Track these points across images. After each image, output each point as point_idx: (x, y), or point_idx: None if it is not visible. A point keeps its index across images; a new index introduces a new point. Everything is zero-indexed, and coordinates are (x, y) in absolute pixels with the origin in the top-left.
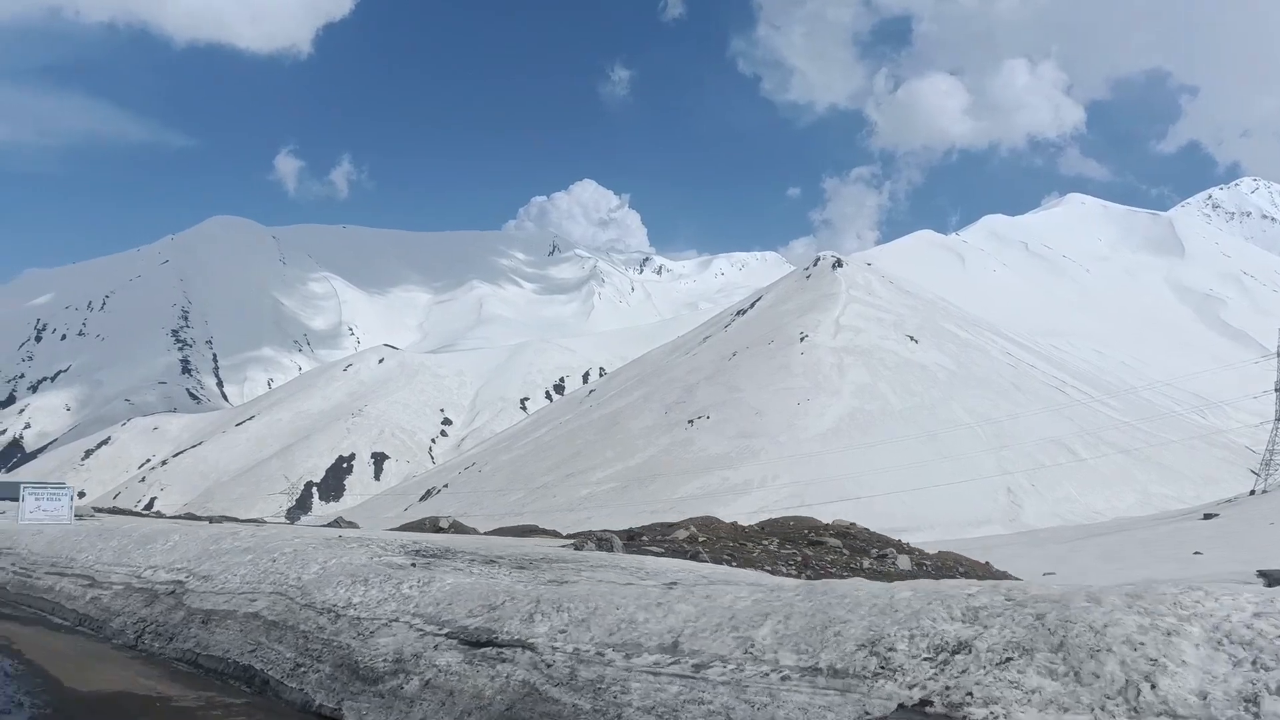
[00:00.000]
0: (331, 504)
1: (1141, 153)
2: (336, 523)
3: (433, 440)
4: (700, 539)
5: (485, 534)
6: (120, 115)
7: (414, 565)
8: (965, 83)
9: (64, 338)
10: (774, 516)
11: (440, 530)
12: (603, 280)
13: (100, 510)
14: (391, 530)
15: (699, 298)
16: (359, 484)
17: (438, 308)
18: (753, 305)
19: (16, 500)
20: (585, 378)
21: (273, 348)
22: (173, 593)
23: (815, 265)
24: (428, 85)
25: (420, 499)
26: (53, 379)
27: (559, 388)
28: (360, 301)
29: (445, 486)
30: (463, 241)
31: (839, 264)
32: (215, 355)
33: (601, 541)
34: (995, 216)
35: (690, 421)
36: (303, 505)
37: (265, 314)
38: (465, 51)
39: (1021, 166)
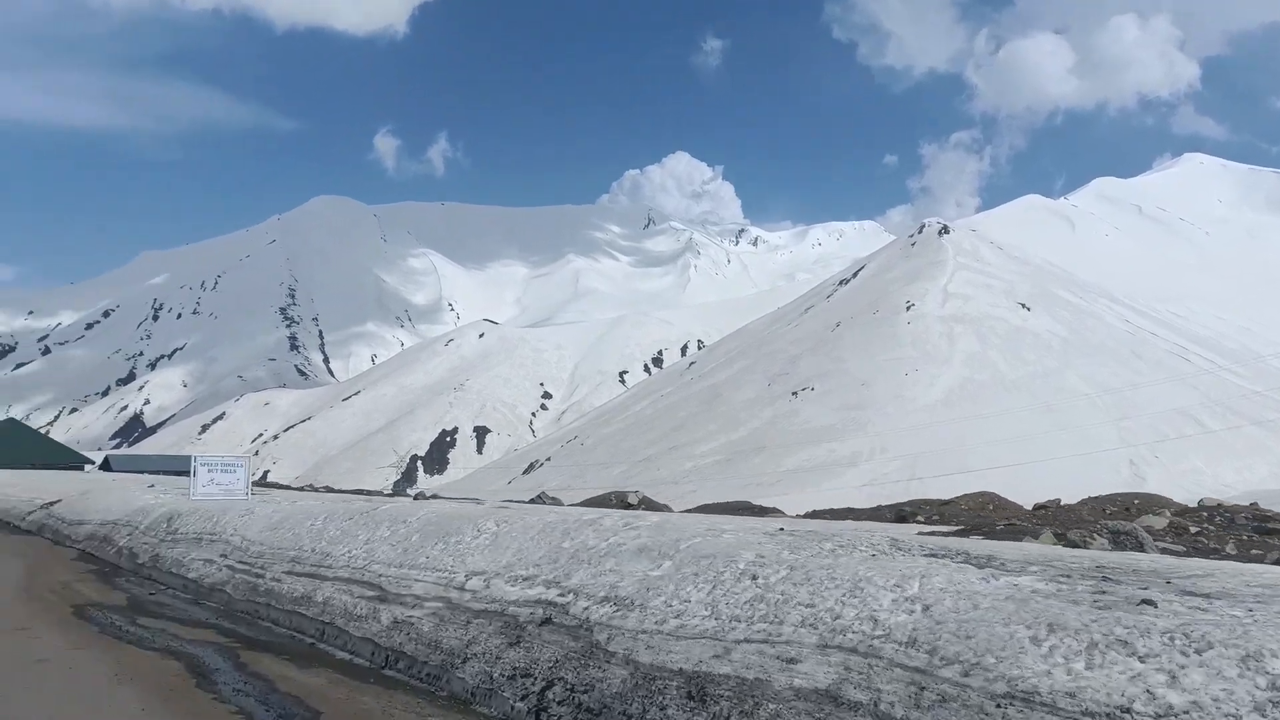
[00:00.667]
0: (435, 477)
1: (1262, 110)
2: (544, 497)
3: (533, 414)
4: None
5: (690, 511)
6: (228, 101)
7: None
8: (1070, 41)
9: (179, 316)
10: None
11: (630, 506)
12: (698, 252)
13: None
14: (580, 505)
15: (796, 269)
16: (461, 457)
17: (534, 282)
18: (855, 274)
19: (171, 474)
20: (683, 350)
21: (375, 323)
22: (564, 626)
23: (920, 232)
24: (520, 61)
25: (524, 472)
26: (169, 356)
27: (657, 361)
28: (459, 277)
29: (548, 460)
30: (558, 216)
31: (945, 230)
32: (321, 332)
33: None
34: (1106, 179)
35: (794, 393)
36: (408, 478)
37: (368, 291)
38: (557, 27)
39: (1131, 127)
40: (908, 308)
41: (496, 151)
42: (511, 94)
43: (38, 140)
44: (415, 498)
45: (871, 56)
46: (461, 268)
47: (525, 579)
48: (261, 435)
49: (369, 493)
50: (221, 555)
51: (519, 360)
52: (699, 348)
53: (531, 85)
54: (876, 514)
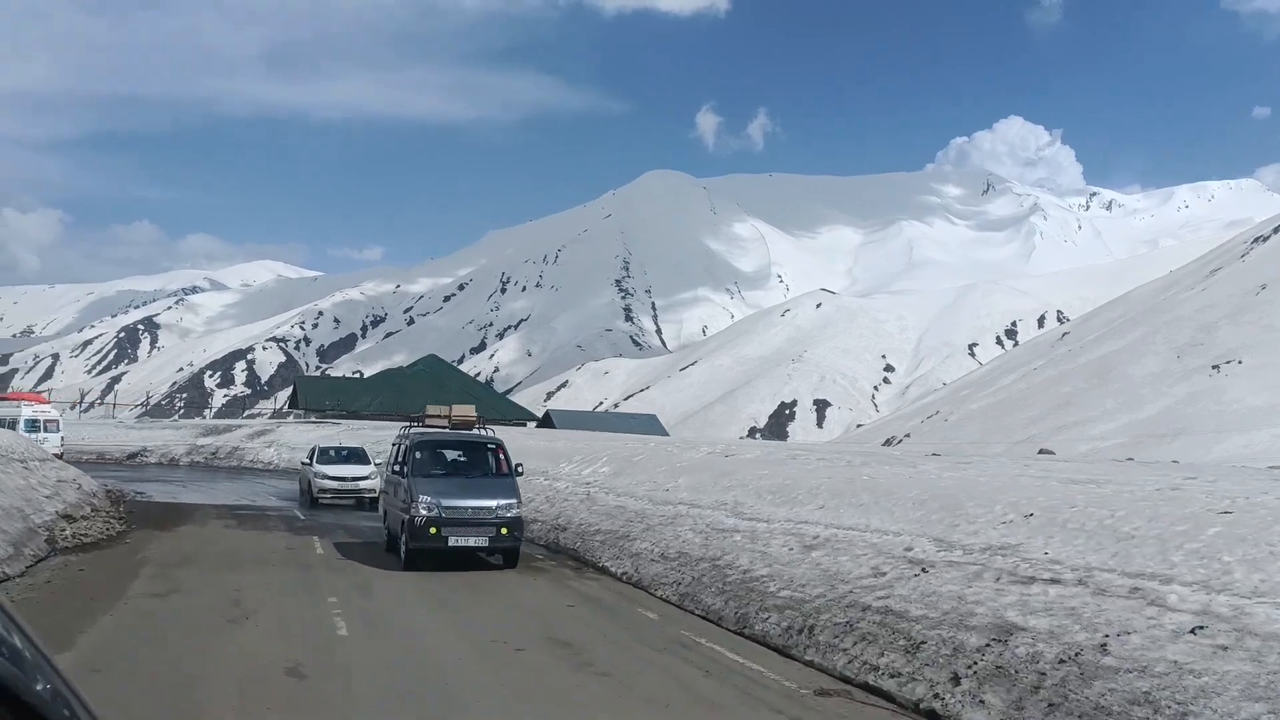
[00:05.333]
0: None
1: None
2: None
3: (875, 387)
4: None
5: None
6: (563, 86)
7: None
8: None
9: (524, 289)
10: None
11: None
12: (1045, 217)
13: None
14: None
15: (1159, 234)
16: (801, 430)
17: (865, 250)
18: (1276, 231)
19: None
20: (1040, 322)
21: (705, 290)
22: None
23: None
24: (841, 31)
25: (881, 446)
26: (515, 327)
27: (1010, 333)
28: (786, 246)
29: (907, 436)
30: (887, 183)
31: None
32: (654, 303)
33: None
34: None
35: (1215, 367)
36: None
37: (697, 261)
38: None
39: None
40: None
41: (816, 123)
42: (831, 65)
43: (398, 133)
44: None
45: (1239, 1)
46: (789, 236)
47: None
48: (602, 403)
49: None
50: None
51: (858, 331)
52: (1059, 319)
53: (851, 55)
54: None
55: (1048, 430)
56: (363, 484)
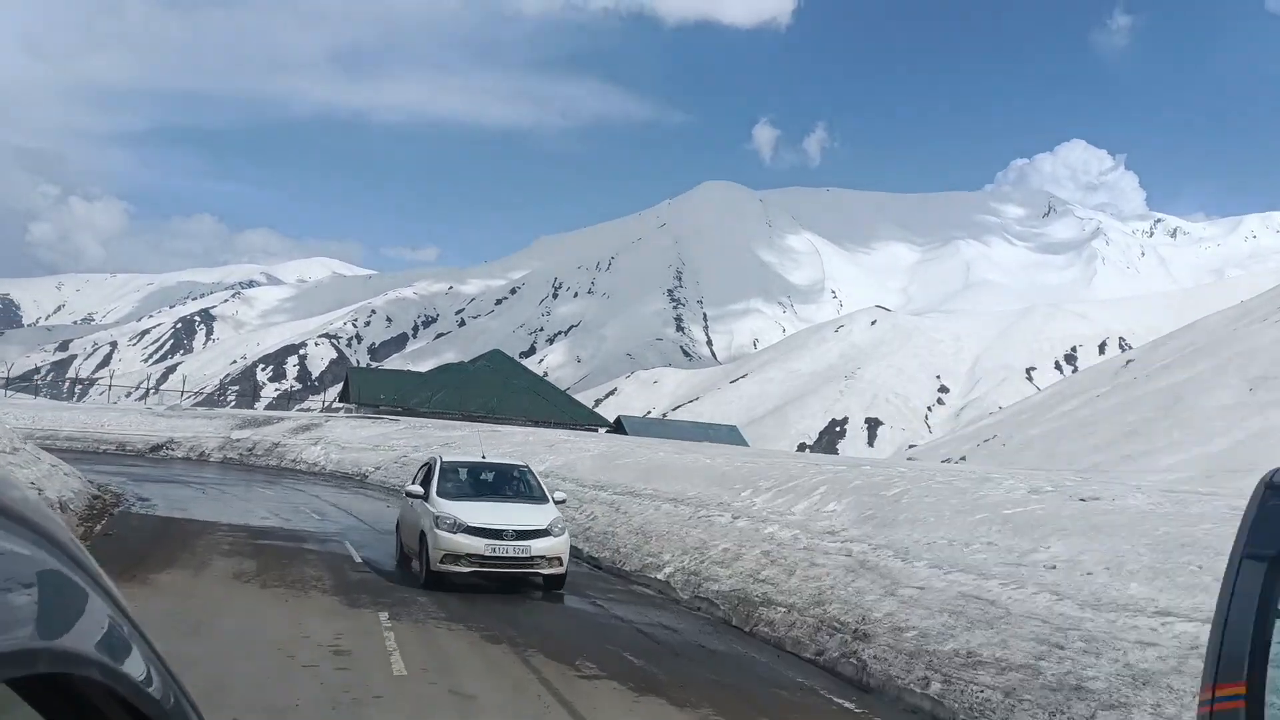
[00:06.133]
0: None
1: None
2: None
3: (928, 408)
4: None
5: None
6: (622, 95)
7: None
8: None
9: (575, 295)
10: None
11: None
12: (1107, 242)
13: None
14: None
15: (1225, 263)
16: (851, 448)
17: (922, 268)
18: None
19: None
20: (1102, 348)
21: (757, 304)
22: None
23: None
24: (902, 49)
25: None
26: (565, 333)
27: (1070, 358)
28: (841, 261)
29: (962, 458)
30: (945, 202)
31: None
32: (705, 314)
33: None
34: None
35: None
36: None
37: (750, 273)
38: (946, 14)
39: None
40: None
41: (875, 139)
42: (892, 82)
43: (457, 136)
44: None
45: None
46: (844, 252)
47: None
48: (649, 412)
49: None
50: None
51: (913, 350)
52: (1121, 346)
53: (913, 73)
54: None
55: (1113, 459)
56: (538, 546)
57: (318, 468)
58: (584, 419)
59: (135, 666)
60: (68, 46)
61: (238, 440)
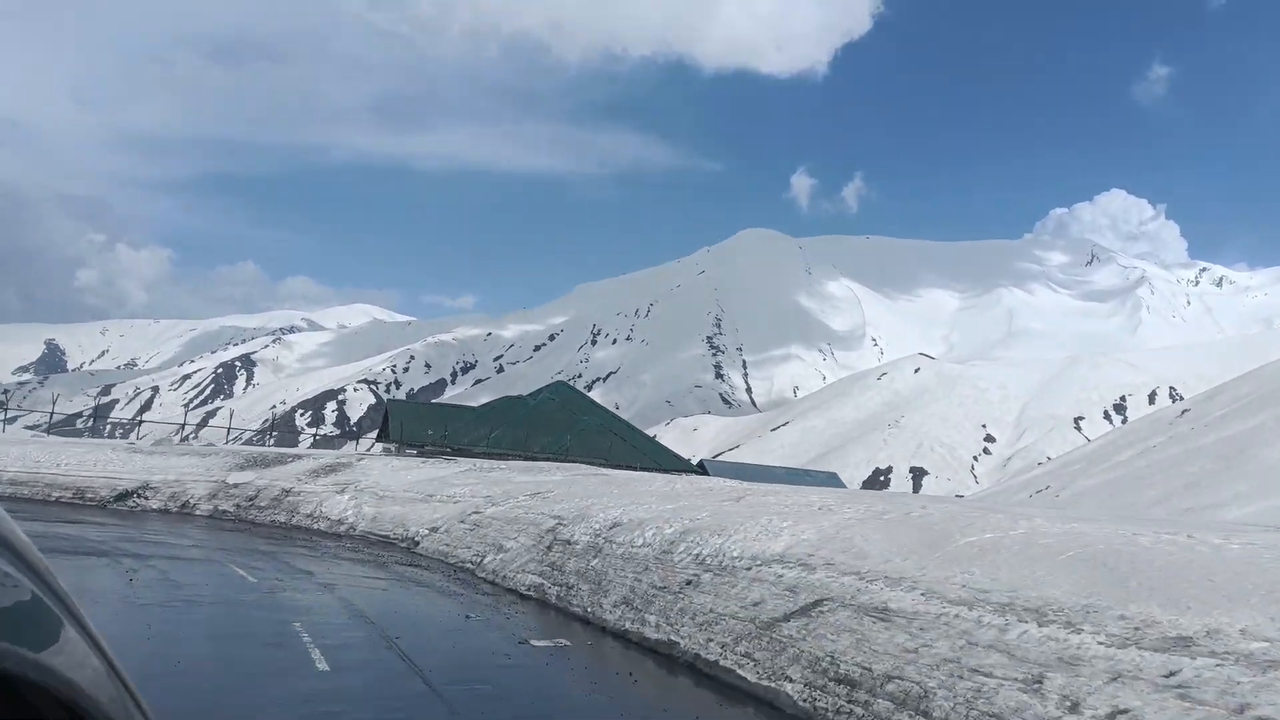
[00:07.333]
0: None
1: None
2: None
3: (974, 458)
4: None
5: None
6: (660, 144)
7: None
8: None
9: (614, 342)
10: None
11: None
12: (1152, 290)
13: None
14: None
15: (1274, 313)
16: None
17: (964, 315)
18: None
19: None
20: (1152, 397)
21: (796, 349)
22: None
23: None
24: (942, 98)
25: None
26: (604, 379)
27: (1119, 407)
28: (880, 308)
29: None
30: (987, 250)
31: None
32: (744, 361)
33: None
34: None
35: None
36: None
37: (790, 319)
38: (984, 64)
39: None
40: None
41: (912, 188)
42: (928, 132)
43: (495, 184)
44: None
45: None
46: (885, 299)
47: None
48: (690, 459)
49: None
50: None
51: (958, 399)
52: (1171, 396)
53: (951, 123)
54: None
55: (1174, 513)
56: None
57: (344, 526)
58: (667, 461)
59: (84, 670)
60: (114, 97)
61: (235, 486)
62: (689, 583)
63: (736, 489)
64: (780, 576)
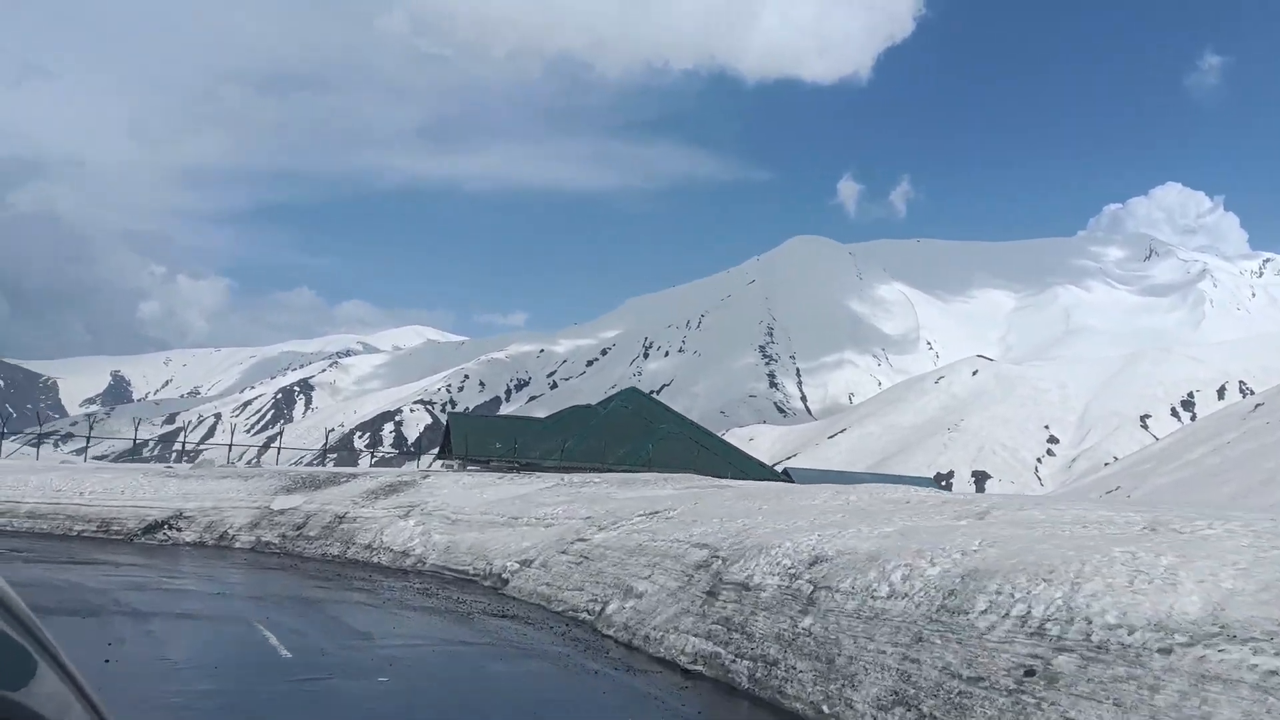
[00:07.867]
0: None
1: None
2: None
3: (1038, 459)
4: None
5: None
6: (705, 156)
7: None
8: None
9: (666, 354)
10: None
11: None
12: (1215, 283)
13: None
14: None
15: None
16: None
17: (1019, 316)
18: None
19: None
20: (1220, 392)
21: (850, 355)
22: None
23: None
24: (988, 96)
25: None
26: (657, 392)
27: (1187, 404)
28: (933, 311)
29: None
30: (1040, 248)
31: None
32: (798, 368)
33: None
34: None
35: None
36: None
37: (842, 326)
38: (1029, 59)
39: None
40: None
41: (961, 189)
42: (977, 132)
43: (543, 202)
44: None
45: None
46: (937, 301)
47: None
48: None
49: None
50: None
51: (1018, 400)
52: (1241, 390)
53: (999, 119)
54: None
55: (1255, 509)
56: None
57: (410, 559)
58: (754, 470)
59: (66, 714)
60: (169, 133)
61: (281, 514)
62: (1029, 673)
63: (958, 501)
64: (1254, 668)
